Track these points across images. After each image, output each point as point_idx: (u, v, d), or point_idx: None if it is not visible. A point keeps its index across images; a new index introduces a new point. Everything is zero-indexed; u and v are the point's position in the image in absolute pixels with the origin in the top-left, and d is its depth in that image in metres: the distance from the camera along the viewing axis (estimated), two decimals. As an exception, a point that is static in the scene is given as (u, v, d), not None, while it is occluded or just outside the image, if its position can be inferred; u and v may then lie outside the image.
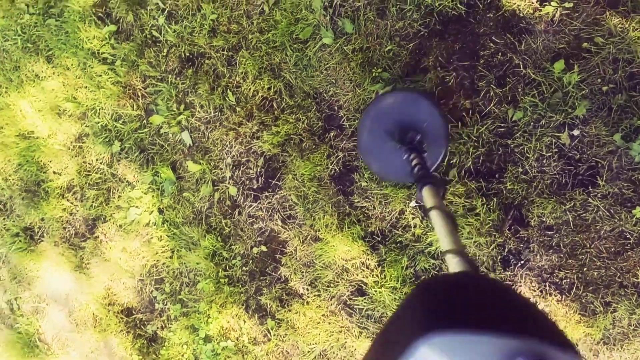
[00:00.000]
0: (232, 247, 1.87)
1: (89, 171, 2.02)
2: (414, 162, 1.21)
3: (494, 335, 0.40)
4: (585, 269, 1.53)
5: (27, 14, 2.02)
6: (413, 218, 1.66)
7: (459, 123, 1.59)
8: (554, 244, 1.54)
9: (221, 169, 1.86)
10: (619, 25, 1.44)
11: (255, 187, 1.83)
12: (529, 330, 0.42)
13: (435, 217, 0.86)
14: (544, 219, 1.54)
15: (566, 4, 1.48)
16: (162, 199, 1.92)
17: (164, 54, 1.87)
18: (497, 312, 0.47)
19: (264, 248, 1.83)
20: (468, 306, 0.47)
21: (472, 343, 0.40)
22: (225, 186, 1.86)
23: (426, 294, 0.52)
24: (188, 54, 1.85)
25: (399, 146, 1.39)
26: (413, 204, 1.66)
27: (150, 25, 1.87)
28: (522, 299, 0.55)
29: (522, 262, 1.58)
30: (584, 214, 1.51)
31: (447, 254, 0.74)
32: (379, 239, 1.69)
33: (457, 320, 0.43)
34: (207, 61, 1.83)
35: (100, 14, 1.93)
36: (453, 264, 0.71)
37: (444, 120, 1.43)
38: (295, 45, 1.71)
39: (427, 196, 0.99)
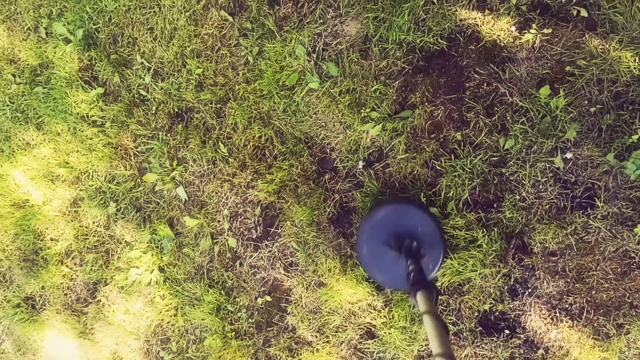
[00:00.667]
0: (237, 299, 1.96)
1: (86, 235, 2.14)
2: (410, 268, 1.33)
3: None
4: (593, 292, 1.60)
5: (14, 84, 2.17)
6: (416, 255, 1.75)
7: (452, 156, 1.70)
8: (559, 269, 1.63)
9: (219, 221, 1.97)
10: (600, 47, 1.56)
11: (254, 236, 1.94)
12: None
13: (427, 321, 0.96)
14: (547, 245, 1.63)
15: (545, 30, 1.60)
16: (162, 257, 2.03)
17: (153, 111, 2.00)
18: None
19: (268, 298, 1.92)
20: None
21: None
22: (225, 238, 1.96)
23: None
24: (177, 110, 1.98)
25: (399, 255, 1.48)
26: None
27: (137, 84, 2.02)
28: None
29: (530, 290, 1.66)
30: (586, 237, 1.59)
31: (436, 358, 0.84)
32: None
33: None
34: (196, 115, 1.96)
35: (86, 78, 2.08)
36: None
37: (436, 223, 1.56)
38: (282, 93, 1.84)
39: (420, 301, 1.09)
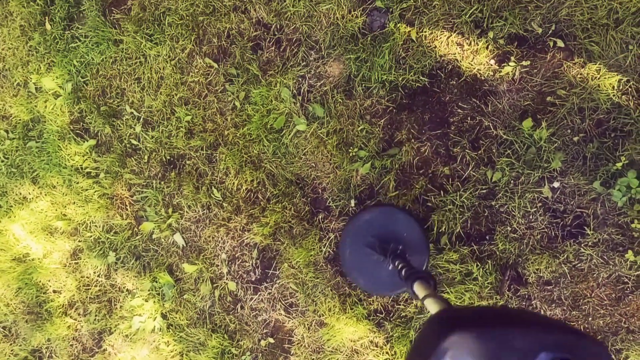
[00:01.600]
0: (240, 342, 2.17)
1: (88, 285, 2.37)
2: (400, 266, 1.40)
3: (511, 331, 0.47)
4: (590, 319, 1.78)
5: (7, 139, 2.41)
6: (414, 290, 1.94)
7: (441, 191, 1.89)
8: (555, 297, 1.80)
9: (217, 265, 2.18)
10: (578, 76, 1.74)
11: (253, 279, 2.14)
12: (551, 326, 0.50)
13: (430, 303, 0.97)
14: (541, 275, 1.80)
15: (524, 62, 1.78)
16: (163, 304, 2.24)
17: (145, 160, 2.22)
18: (522, 317, 0.55)
19: (271, 340, 2.13)
20: (491, 314, 0.58)
21: (503, 337, 0.47)
22: (224, 282, 2.17)
23: (445, 314, 0.63)
24: (169, 158, 2.20)
25: (382, 259, 1.59)
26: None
27: (128, 134, 2.24)
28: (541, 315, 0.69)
29: None
30: (579, 264, 1.77)
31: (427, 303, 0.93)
32: (383, 315, 1.97)
33: (484, 322, 0.51)
34: (188, 162, 2.18)
35: (78, 130, 2.31)
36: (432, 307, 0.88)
37: (422, 228, 1.69)
38: (270, 136, 2.04)
39: (419, 289, 1.12)
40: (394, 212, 1.71)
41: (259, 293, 2.04)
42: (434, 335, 0.52)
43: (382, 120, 1.84)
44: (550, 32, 1.68)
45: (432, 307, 0.97)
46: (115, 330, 2.26)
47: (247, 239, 2.03)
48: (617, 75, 1.63)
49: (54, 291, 2.33)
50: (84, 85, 2.19)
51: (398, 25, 1.79)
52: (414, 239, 1.65)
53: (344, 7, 1.84)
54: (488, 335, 0.48)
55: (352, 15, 1.84)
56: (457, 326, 0.50)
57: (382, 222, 1.68)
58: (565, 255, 1.70)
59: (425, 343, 0.56)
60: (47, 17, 2.21)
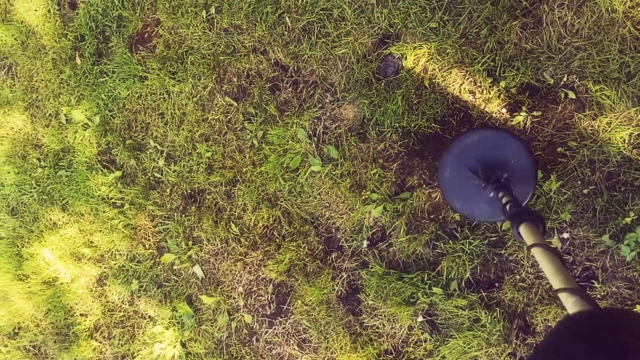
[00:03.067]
0: (255, 375, 2.56)
1: (112, 310, 2.83)
2: (504, 200, 1.43)
3: None
4: None
5: (40, 167, 2.89)
6: (422, 333, 2.26)
7: (453, 238, 2.20)
8: (563, 349, 2.09)
9: (234, 298, 2.58)
10: (589, 128, 2.00)
11: (268, 313, 2.52)
12: None
13: (538, 255, 1.00)
14: (549, 324, 2.08)
15: (535, 112, 2.05)
16: (183, 332, 2.67)
17: (168, 193, 2.64)
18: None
19: None
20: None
21: None
22: (241, 315, 2.57)
23: (583, 333, 0.62)
24: (190, 191, 2.61)
25: (484, 184, 1.61)
26: (420, 319, 2.27)
27: (151, 167, 2.66)
28: None
29: None
30: None
31: (560, 293, 0.89)
32: (393, 356, 2.30)
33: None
34: (208, 197, 2.58)
35: (105, 162, 2.76)
36: (570, 304, 0.85)
37: (532, 158, 1.69)
38: (287, 175, 2.41)
39: (526, 234, 1.15)
40: (504, 136, 1.74)
41: (274, 327, 2.42)
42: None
43: (395, 165, 2.16)
44: (561, 83, 1.94)
45: (541, 260, 1.00)
46: (137, 355, 2.70)
47: (262, 274, 2.41)
48: (629, 129, 1.87)
49: (81, 314, 2.80)
50: (111, 118, 2.62)
51: (411, 71, 2.11)
52: (521, 168, 1.67)
53: (359, 52, 2.17)
54: None
55: (367, 60, 2.17)
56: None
57: (489, 145, 1.72)
58: (573, 307, 1.97)
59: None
60: (77, 52, 2.65)
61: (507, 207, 1.41)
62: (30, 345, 2.90)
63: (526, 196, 1.73)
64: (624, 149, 1.82)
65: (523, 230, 1.21)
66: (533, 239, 1.13)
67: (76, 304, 2.68)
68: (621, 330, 0.58)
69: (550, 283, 1.01)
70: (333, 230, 2.19)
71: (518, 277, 1.95)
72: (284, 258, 2.23)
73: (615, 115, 1.82)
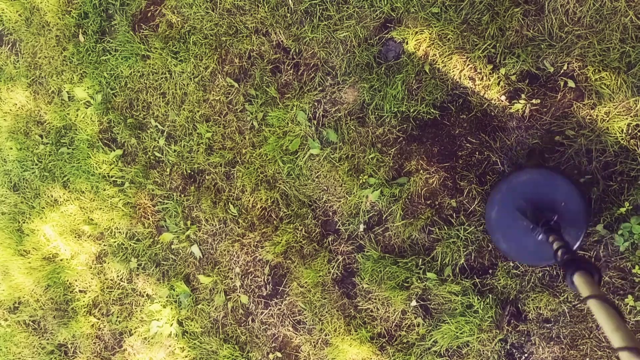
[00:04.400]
0: (250, 354, 2.64)
1: (111, 288, 2.91)
2: (555, 245, 1.39)
3: None
4: (587, 359, 2.10)
5: (42, 144, 2.96)
6: (415, 317, 2.32)
7: (447, 223, 2.25)
8: (554, 335, 2.13)
9: (231, 278, 2.65)
10: (587, 117, 2.04)
11: (264, 294, 2.60)
12: None
13: (595, 308, 0.95)
14: (541, 312, 2.13)
15: (534, 100, 2.09)
16: (180, 311, 2.75)
17: (167, 173, 2.71)
18: None
19: (279, 354, 2.58)
20: None
21: None
22: (237, 295, 2.64)
23: None
24: (189, 172, 2.67)
25: (532, 226, 1.58)
26: (414, 303, 2.34)
27: (152, 147, 2.73)
28: None
29: (526, 355, 2.18)
30: (578, 305, 2.08)
31: (621, 352, 0.84)
32: (386, 339, 2.37)
33: None
34: (207, 177, 2.64)
35: (106, 140, 2.83)
36: None
37: (585, 200, 1.65)
38: (286, 157, 2.46)
39: (581, 284, 1.10)
40: (555, 177, 1.71)
41: (269, 308, 2.49)
42: None
43: (393, 150, 2.21)
44: (561, 71, 1.97)
45: (599, 314, 0.96)
46: (134, 332, 2.79)
47: (259, 255, 2.48)
48: (627, 119, 1.91)
49: (80, 291, 2.89)
50: (113, 96, 2.68)
51: (412, 56, 2.15)
52: (573, 211, 1.64)
53: (361, 35, 2.21)
54: None
55: (368, 44, 2.21)
56: None
57: (540, 186, 1.69)
58: (565, 295, 2.02)
59: None
60: (80, 30, 2.71)
61: (559, 252, 1.38)
62: (30, 320, 3.00)
63: (576, 241, 1.69)
64: (622, 139, 1.86)
65: (577, 279, 1.17)
66: (589, 290, 1.09)
67: (75, 280, 2.76)
68: None
69: (609, 340, 0.95)
70: (330, 213, 2.25)
71: (511, 264, 2.00)
72: (281, 240, 2.30)
73: (614, 105, 1.86)
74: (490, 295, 2.03)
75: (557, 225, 1.59)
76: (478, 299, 2.03)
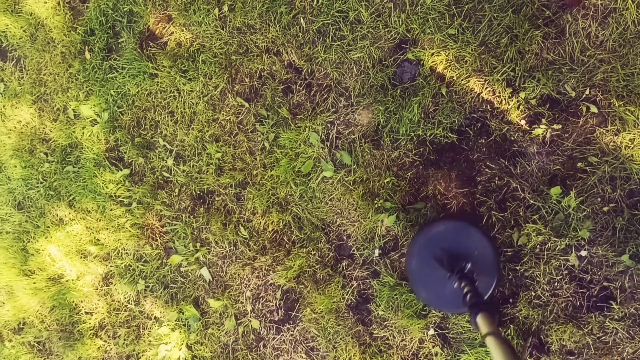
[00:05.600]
0: (261, 381, 2.63)
1: (118, 310, 2.91)
2: (465, 290, 1.55)
3: None
4: None
5: (47, 162, 2.96)
6: (433, 346, 2.31)
7: None
8: (577, 369, 2.12)
9: (242, 302, 2.64)
10: (611, 144, 2.02)
11: (276, 319, 2.59)
12: None
13: (492, 344, 1.12)
14: (564, 344, 2.11)
15: (555, 125, 2.07)
16: (189, 335, 2.74)
17: (176, 193, 2.70)
18: None
19: None
20: None
21: None
22: (248, 319, 2.63)
23: None
24: (198, 192, 2.66)
25: (449, 275, 1.72)
26: (431, 332, 2.32)
27: (160, 166, 2.72)
28: None
29: None
30: (603, 337, 2.07)
31: None
32: None
33: None
34: (217, 198, 2.63)
35: (113, 159, 2.82)
36: None
37: (495, 249, 1.81)
38: (298, 179, 2.45)
39: (482, 323, 1.27)
40: (467, 227, 1.86)
41: (281, 333, 2.48)
42: None
43: (409, 174, 2.19)
44: (583, 96, 1.95)
45: (494, 349, 1.12)
46: (142, 356, 2.79)
47: (271, 279, 2.47)
48: (652, 146, 1.89)
49: (86, 312, 2.88)
50: (120, 115, 2.67)
51: (428, 78, 2.14)
52: (485, 259, 1.80)
53: (375, 56, 2.20)
54: None
55: (383, 65, 2.20)
56: None
57: (454, 236, 1.84)
58: (590, 327, 2.00)
59: None
60: (86, 47, 2.70)
61: (468, 297, 1.53)
62: (34, 341, 3.00)
63: (490, 287, 1.84)
64: (647, 166, 1.83)
65: (479, 319, 1.32)
66: (488, 328, 1.25)
67: (81, 301, 2.76)
68: None
69: None
70: (344, 237, 2.24)
71: (533, 293, 1.99)
72: (294, 264, 2.29)
73: (639, 132, 1.84)
74: (512, 326, 2.02)
75: (470, 273, 1.75)
76: (500, 330, 2.01)
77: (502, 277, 1.95)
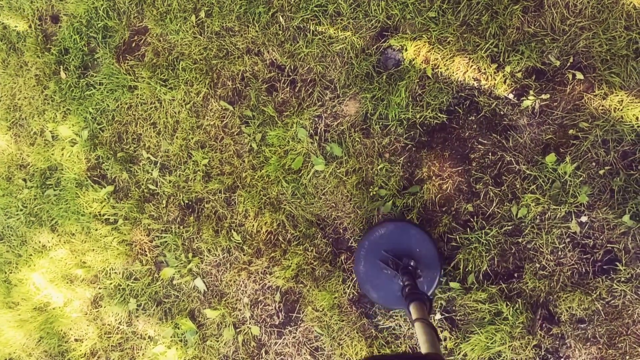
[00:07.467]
0: (266, 389, 2.31)
1: (109, 333, 2.54)
2: (405, 284, 1.58)
3: None
4: (627, 357, 1.87)
5: (26, 188, 2.62)
6: (442, 331, 2.06)
7: (466, 229, 2.02)
8: (589, 336, 1.90)
9: (240, 309, 2.34)
10: (600, 108, 1.86)
11: (277, 323, 2.29)
12: None
13: (418, 327, 1.15)
14: (574, 312, 1.90)
15: (543, 96, 1.90)
16: (186, 350, 2.40)
17: (164, 205, 2.40)
18: None
19: None
20: None
21: None
22: (247, 327, 2.32)
23: None
24: (187, 202, 2.37)
25: (395, 274, 1.74)
26: (438, 316, 2.07)
27: (145, 179, 2.42)
28: None
29: (563, 359, 1.94)
30: (612, 301, 1.87)
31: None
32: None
33: None
34: (206, 205, 2.35)
35: (95, 177, 2.51)
36: None
37: (434, 245, 1.81)
38: (289, 177, 2.20)
39: (413, 310, 1.30)
40: (407, 227, 1.84)
41: (284, 337, 2.19)
42: None
43: (402, 158, 1.98)
44: (568, 64, 1.81)
45: (418, 331, 1.14)
46: (138, 378, 2.43)
47: (268, 282, 2.19)
48: (640, 105, 1.74)
49: (76, 340, 2.51)
50: (100, 132, 2.38)
51: (413, 62, 1.95)
52: (427, 255, 1.79)
53: (358, 46, 2.00)
54: None
55: (366, 54, 2.00)
56: None
57: (396, 237, 1.82)
58: (598, 292, 1.80)
59: None
60: (62, 66, 2.43)
61: (406, 289, 1.54)
62: (22, 377, 2.59)
63: (434, 279, 1.81)
64: (638, 126, 1.69)
65: (412, 307, 1.34)
66: (417, 315, 1.27)
67: (70, 329, 2.40)
68: None
69: (421, 349, 1.13)
70: (341, 230, 1.99)
71: (538, 265, 1.78)
72: (291, 263, 2.02)
73: (626, 93, 1.69)
74: (520, 300, 1.80)
75: (414, 269, 1.74)
76: (507, 305, 1.80)
77: (444, 269, 1.92)
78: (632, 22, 1.70)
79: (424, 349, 1.09)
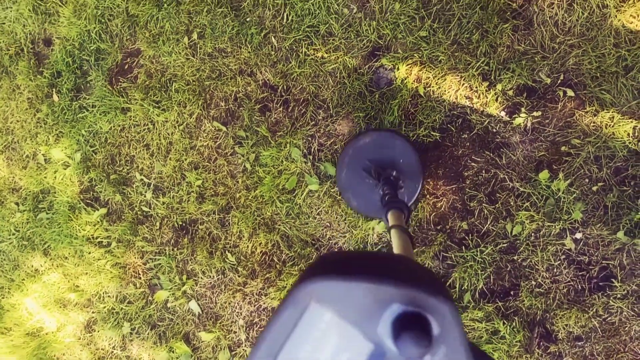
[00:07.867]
0: (263, 413, 2.23)
1: (103, 358, 2.46)
2: (382, 192, 1.55)
3: (367, 282, 0.49)
4: None
5: (18, 212, 2.56)
6: (440, 351, 2.01)
7: (462, 247, 1.97)
8: (587, 353, 1.85)
9: (235, 332, 2.27)
10: (592, 125, 1.83)
11: (273, 345, 2.23)
12: (405, 280, 0.50)
13: (394, 233, 1.09)
14: (571, 330, 1.86)
15: (534, 113, 1.88)
16: (182, 374, 2.33)
17: (157, 227, 2.35)
18: (376, 266, 0.56)
19: None
20: (347, 262, 0.57)
21: (349, 290, 0.49)
22: (243, 349, 2.25)
23: (316, 261, 0.63)
24: (181, 223, 2.32)
25: (376, 183, 1.68)
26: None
27: (139, 201, 2.37)
28: (415, 264, 0.65)
29: None
30: (609, 318, 1.83)
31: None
32: None
33: (333, 271, 0.52)
34: (200, 227, 2.29)
35: (88, 200, 2.45)
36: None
37: (417, 155, 1.76)
38: (283, 197, 2.16)
39: (391, 218, 1.25)
40: (393, 137, 1.78)
41: None
42: (301, 277, 0.54)
43: (396, 177, 1.94)
44: (559, 81, 1.79)
45: (393, 237, 1.09)
46: (132, 403, 2.35)
47: (264, 303, 2.13)
48: (632, 122, 1.72)
49: (69, 365, 2.43)
50: (93, 154, 2.33)
51: (405, 81, 1.92)
52: (410, 166, 1.75)
53: (350, 66, 1.97)
54: (344, 290, 0.49)
55: (358, 74, 1.97)
56: (318, 273, 0.52)
57: (380, 146, 1.77)
58: (595, 309, 1.76)
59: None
60: (54, 89, 2.38)
61: (386, 198, 1.50)
62: (14, 405, 2.50)
63: (415, 191, 1.80)
64: (630, 142, 1.65)
65: (390, 215, 1.28)
66: (394, 222, 1.22)
67: (63, 354, 2.32)
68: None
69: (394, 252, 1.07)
70: (336, 250, 1.93)
71: (534, 282, 1.74)
72: (286, 284, 1.97)
73: (616, 110, 1.67)
74: (516, 318, 1.75)
75: (396, 180, 1.69)
76: (503, 323, 1.75)
77: (425, 181, 1.89)
78: (621, 40, 1.68)
79: (396, 251, 1.04)
